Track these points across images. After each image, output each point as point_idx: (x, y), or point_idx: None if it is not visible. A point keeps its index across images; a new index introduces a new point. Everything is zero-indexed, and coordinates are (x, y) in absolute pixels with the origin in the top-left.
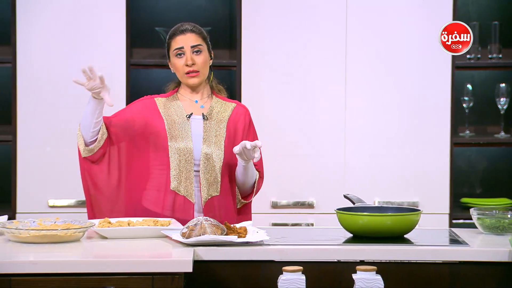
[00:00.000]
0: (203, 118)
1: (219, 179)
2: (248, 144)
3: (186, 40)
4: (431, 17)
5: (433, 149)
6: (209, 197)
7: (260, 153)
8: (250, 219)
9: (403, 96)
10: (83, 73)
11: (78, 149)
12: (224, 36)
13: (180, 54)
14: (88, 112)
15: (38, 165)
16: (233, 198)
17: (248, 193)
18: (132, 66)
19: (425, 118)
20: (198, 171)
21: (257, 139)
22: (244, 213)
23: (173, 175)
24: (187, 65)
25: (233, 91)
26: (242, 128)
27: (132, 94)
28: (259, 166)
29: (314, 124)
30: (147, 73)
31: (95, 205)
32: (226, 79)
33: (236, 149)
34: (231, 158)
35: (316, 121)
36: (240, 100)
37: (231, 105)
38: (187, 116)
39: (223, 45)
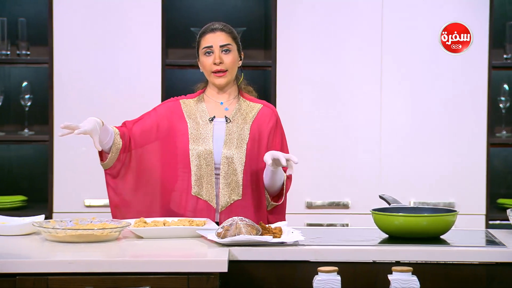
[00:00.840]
0: (226, 121)
1: (241, 183)
2: (283, 160)
3: (215, 39)
4: (468, 17)
5: (469, 150)
6: (232, 202)
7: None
8: (284, 220)
9: (439, 96)
10: (63, 128)
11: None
12: (259, 36)
13: (208, 53)
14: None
15: (75, 165)
16: (259, 202)
17: (276, 195)
18: (167, 67)
19: (461, 118)
20: (219, 175)
21: (285, 141)
22: (276, 213)
23: (193, 180)
24: (215, 64)
25: (267, 91)
26: (268, 130)
27: (168, 94)
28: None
29: (349, 124)
30: (182, 73)
31: (119, 215)
32: (261, 79)
33: (268, 161)
34: (255, 161)
35: (351, 121)
36: (275, 100)
37: (257, 106)
38: (210, 119)
39: (258, 45)
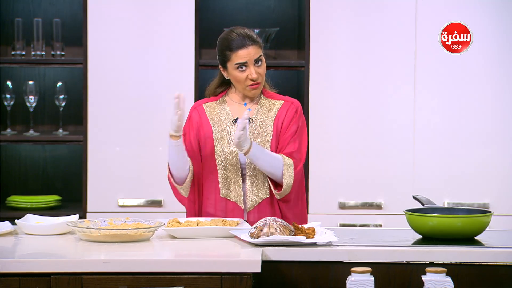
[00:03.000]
0: (249, 121)
1: (268, 181)
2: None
3: (249, 55)
4: (507, 13)
5: (504, 150)
6: (259, 201)
7: (304, 143)
8: (305, 215)
9: (473, 96)
10: (176, 99)
11: (176, 191)
12: (293, 37)
13: (242, 67)
14: (174, 156)
15: (108, 165)
16: (286, 198)
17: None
18: (201, 67)
19: (495, 118)
20: (245, 175)
21: (304, 131)
22: (289, 206)
23: (221, 182)
24: (251, 79)
25: (300, 91)
26: (287, 123)
27: (201, 95)
28: (296, 150)
29: (383, 124)
30: (215, 73)
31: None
32: (294, 80)
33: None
34: None
35: (384, 121)
36: (308, 100)
37: (278, 102)
38: (233, 120)
39: (291, 45)
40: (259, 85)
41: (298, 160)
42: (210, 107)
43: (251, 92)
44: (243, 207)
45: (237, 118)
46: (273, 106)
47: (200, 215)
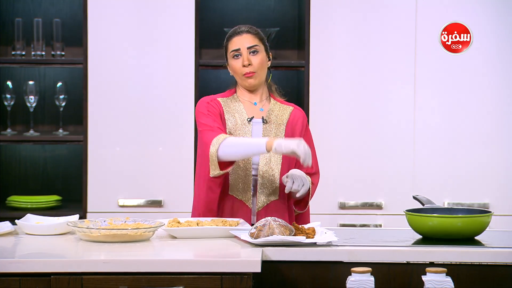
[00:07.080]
0: (263, 122)
1: (278, 183)
2: (288, 186)
3: (242, 41)
4: (507, 13)
5: (504, 150)
6: (268, 202)
7: (314, 156)
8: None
9: (473, 95)
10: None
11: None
12: (293, 37)
13: (236, 56)
14: (252, 149)
15: (108, 165)
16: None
17: (300, 202)
18: (201, 67)
19: (495, 118)
20: (257, 176)
21: (312, 145)
22: (300, 219)
23: (231, 179)
24: (244, 66)
25: (300, 91)
26: (299, 133)
27: (201, 94)
28: (314, 164)
29: (383, 124)
30: (216, 73)
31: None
32: (294, 80)
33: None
34: (290, 161)
35: (385, 121)
36: (308, 100)
37: (289, 108)
38: (248, 120)
39: (291, 45)
40: (255, 75)
41: (316, 178)
42: (224, 101)
43: (247, 81)
44: (250, 207)
45: (253, 117)
46: (284, 110)
47: (205, 214)
